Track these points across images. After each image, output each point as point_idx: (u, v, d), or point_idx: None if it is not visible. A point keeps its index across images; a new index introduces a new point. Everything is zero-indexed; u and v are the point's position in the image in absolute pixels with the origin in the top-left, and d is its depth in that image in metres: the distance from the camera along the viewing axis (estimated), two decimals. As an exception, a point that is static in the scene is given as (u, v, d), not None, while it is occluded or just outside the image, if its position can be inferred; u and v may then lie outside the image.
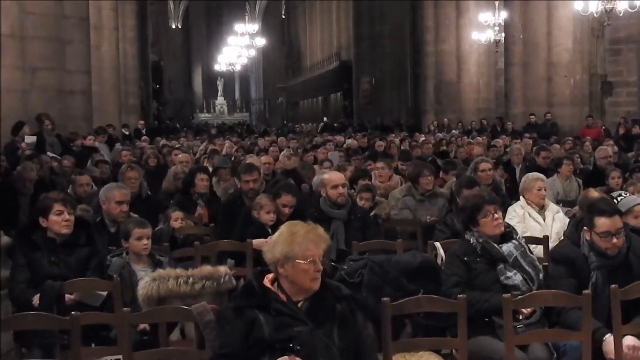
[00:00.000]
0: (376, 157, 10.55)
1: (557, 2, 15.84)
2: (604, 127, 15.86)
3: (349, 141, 14.95)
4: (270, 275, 3.17)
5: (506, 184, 8.43)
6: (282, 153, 11.06)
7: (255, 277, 3.20)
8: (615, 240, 3.93)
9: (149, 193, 7.56)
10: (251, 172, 6.61)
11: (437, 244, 4.94)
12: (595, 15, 14.54)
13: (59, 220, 4.54)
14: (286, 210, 5.77)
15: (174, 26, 50.60)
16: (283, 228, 3.20)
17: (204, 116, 48.45)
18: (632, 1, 13.77)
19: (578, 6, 14.51)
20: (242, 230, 5.70)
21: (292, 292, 3.11)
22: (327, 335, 3.07)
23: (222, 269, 3.89)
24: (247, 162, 7.90)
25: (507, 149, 11.33)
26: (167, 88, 42.42)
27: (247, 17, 37.42)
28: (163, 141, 15.53)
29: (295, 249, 3.08)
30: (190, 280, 3.76)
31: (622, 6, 13.83)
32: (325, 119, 31.55)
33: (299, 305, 3.11)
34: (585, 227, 4.03)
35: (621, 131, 15.52)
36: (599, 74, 18.19)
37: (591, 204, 4.13)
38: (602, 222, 3.93)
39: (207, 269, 3.89)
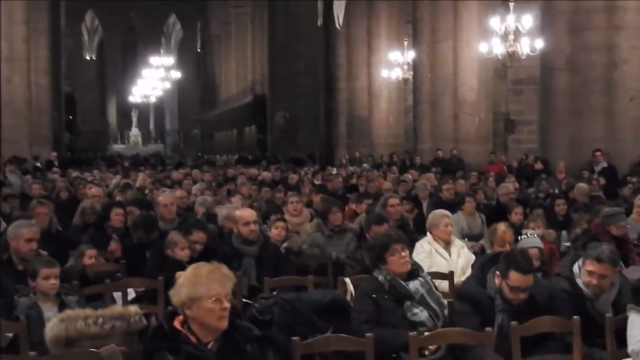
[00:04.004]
0: (288, 190, 10.64)
1: (463, 45, 16.63)
2: (506, 163, 16.55)
3: (263, 174, 15.01)
4: (181, 317, 3.17)
5: (414, 219, 8.69)
6: (195, 186, 11.03)
7: (165, 319, 3.21)
8: (522, 295, 4.07)
9: (59, 228, 7.40)
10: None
11: (347, 280, 5.04)
12: (499, 57, 15.26)
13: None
14: (197, 247, 5.78)
15: (88, 57, 49.73)
16: (187, 271, 3.23)
17: (118, 147, 47.63)
18: (533, 45, 14.54)
19: (483, 49, 15.23)
20: (155, 271, 5.54)
21: (202, 333, 3.13)
22: (237, 376, 3.09)
23: (132, 308, 3.82)
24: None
25: (416, 183, 11.62)
26: (81, 119, 41.60)
27: (162, 50, 37.17)
28: (75, 173, 15.03)
29: (199, 289, 3.11)
30: (100, 320, 3.68)
31: (523, 49, 14.60)
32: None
33: (209, 346, 3.13)
34: (497, 272, 4.14)
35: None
36: (502, 112, 18.97)
37: (510, 255, 4.18)
38: (516, 277, 4.04)
39: (116, 309, 3.83)
